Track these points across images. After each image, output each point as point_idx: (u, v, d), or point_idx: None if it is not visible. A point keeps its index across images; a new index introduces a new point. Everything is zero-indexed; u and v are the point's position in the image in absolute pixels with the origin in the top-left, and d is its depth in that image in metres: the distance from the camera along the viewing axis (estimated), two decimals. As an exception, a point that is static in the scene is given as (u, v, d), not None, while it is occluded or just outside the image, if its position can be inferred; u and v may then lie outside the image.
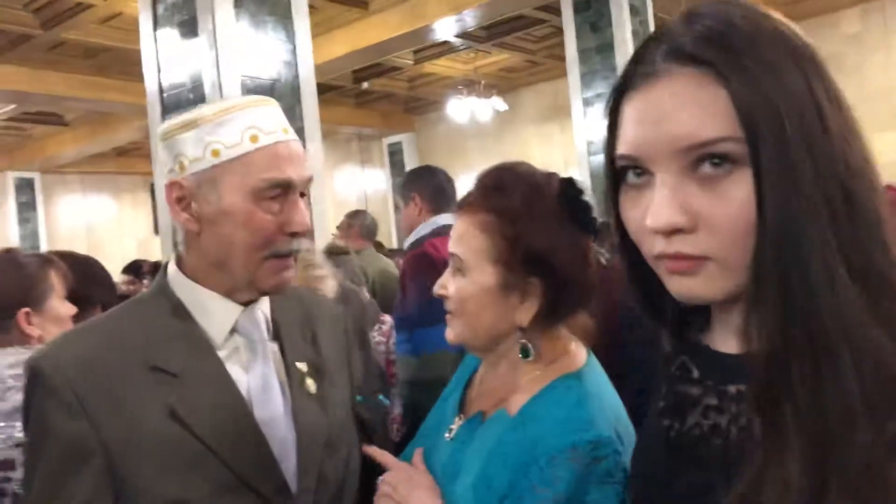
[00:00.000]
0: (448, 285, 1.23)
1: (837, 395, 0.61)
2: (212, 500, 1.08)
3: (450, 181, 3.31)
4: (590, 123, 7.37)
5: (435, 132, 14.27)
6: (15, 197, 13.57)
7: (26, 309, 1.92)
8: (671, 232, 0.69)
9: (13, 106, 10.57)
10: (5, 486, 1.74)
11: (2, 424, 1.78)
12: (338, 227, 4.70)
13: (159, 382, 1.09)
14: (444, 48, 10.40)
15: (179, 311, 1.17)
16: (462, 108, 11.52)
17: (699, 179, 0.69)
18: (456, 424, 1.26)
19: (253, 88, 3.78)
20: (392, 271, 4.42)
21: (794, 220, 0.64)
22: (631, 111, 0.74)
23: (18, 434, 1.76)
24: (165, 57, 3.88)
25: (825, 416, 0.61)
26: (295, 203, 1.16)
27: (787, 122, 0.64)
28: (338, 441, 1.25)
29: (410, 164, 14.27)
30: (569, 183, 1.19)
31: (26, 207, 13.65)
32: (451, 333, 1.24)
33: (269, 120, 1.15)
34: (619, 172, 0.77)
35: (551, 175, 1.22)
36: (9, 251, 2.03)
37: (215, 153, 1.12)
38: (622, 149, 0.75)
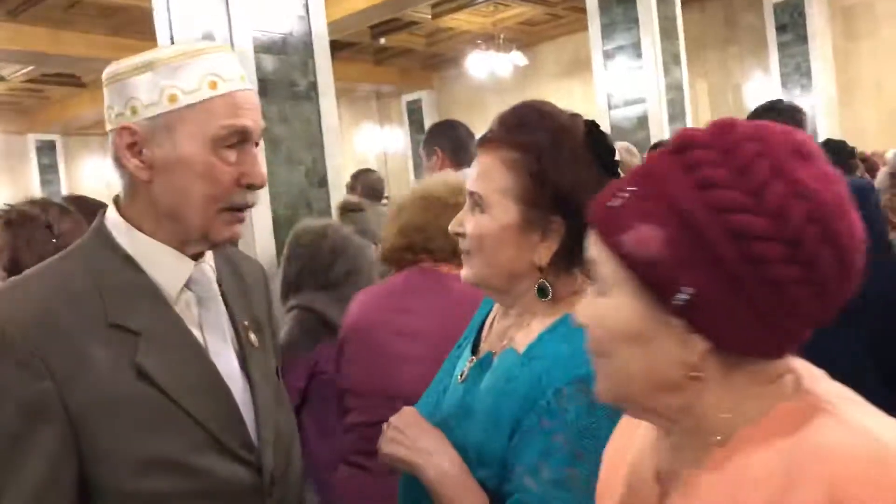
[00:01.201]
0: (465, 223, 1.20)
1: None
2: (186, 458, 1.06)
3: (471, 136, 3.28)
4: (610, 76, 7.24)
5: (454, 89, 14.12)
6: (37, 159, 13.68)
7: None
8: None
9: (31, 67, 10.58)
10: None
11: None
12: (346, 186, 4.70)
13: (121, 340, 1.05)
14: (464, 1, 10.23)
15: (128, 262, 1.11)
16: (482, 64, 11.38)
17: None
18: (467, 367, 1.27)
19: (265, 42, 3.72)
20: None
21: None
22: None
23: None
24: (177, 13, 3.83)
25: None
26: (251, 154, 1.13)
27: None
28: (280, 394, 1.26)
29: (430, 121, 14.14)
30: (594, 125, 1.18)
31: (48, 169, 13.77)
32: (467, 271, 1.22)
33: (227, 67, 1.11)
34: None
35: (576, 116, 1.21)
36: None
37: (172, 98, 1.07)
38: None
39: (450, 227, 1.24)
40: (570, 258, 1.16)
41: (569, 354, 1.08)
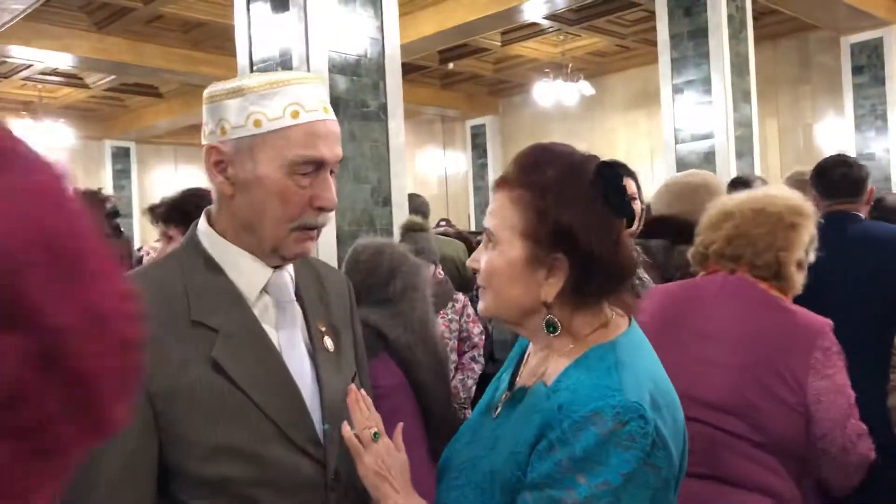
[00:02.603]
0: (480, 259, 1.25)
1: None
2: (253, 448, 1.15)
3: None
4: (678, 111, 7.19)
5: (519, 115, 14.17)
6: (111, 164, 14.17)
7: None
8: None
9: (113, 77, 11.00)
10: None
11: None
12: None
13: (201, 336, 1.16)
14: (533, 30, 10.30)
15: (213, 266, 1.22)
16: (548, 92, 11.38)
17: None
18: (502, 402, 1.29)
19: (339, 63, 3.82)
20: (451, 253, 4.45)
21: None
22: None
23: None
24: (257, 31, 3.96)
25: None
26: (325, 180, 1.21)
27: None
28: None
29: (492, 147, 14.22)
30: (606, 165, 1.20)
31: (121, 175, 14.25)
32: (482, 306, 1.28)
33: (311, 97, 1.20)
34: None
35: (591, 157, 1.23)
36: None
37: (257, 123, 1.16)
38: None
39: (468, 263, 1.31)
40: (579, 294, 1.18)
41: (589, 387, 1.11)
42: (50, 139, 11.85)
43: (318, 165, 1.19)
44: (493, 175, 13.93)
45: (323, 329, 1.32)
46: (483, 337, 3.80)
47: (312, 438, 1.21)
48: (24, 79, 11.08)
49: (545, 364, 1.23)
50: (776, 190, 2.03)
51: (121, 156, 14.30)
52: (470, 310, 3.78)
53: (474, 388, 3.68)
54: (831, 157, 3.09)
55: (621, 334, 1.20)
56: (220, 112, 1.19)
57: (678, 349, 1.84)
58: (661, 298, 2.00)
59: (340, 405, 1.27)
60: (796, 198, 1.93)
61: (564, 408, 1.10)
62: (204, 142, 1.22)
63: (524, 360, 1.35)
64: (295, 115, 1.17)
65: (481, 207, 13.91)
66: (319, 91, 1.22)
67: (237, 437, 1.14)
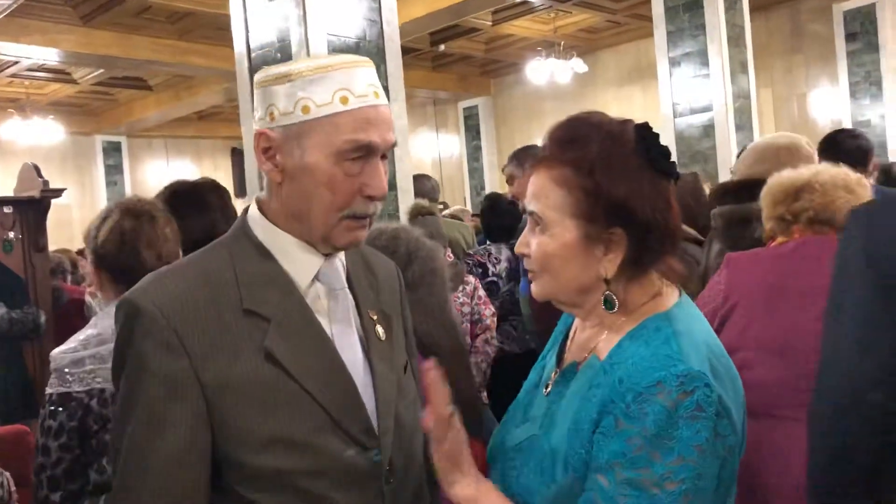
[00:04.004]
0: (529, 243, 1.22)
1: None
2: (307, 439, 1.13)
3: None
4: (675, 84, 7.14)
5: (512, 95, 14.10)
6: (103, 160, 14.06)
7: None
8: None
9: (101, 70, 10.89)
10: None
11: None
12: None
13: (253, 325, 1.13)
14: (523, 8, 10.21)
15: (264, 254, 1.19)
16: (541, 71, 11.31)
17: None
18: (552, 379, 1.27)
19: (339, 47, 3.76)
20: (456, 234, 4.43)
21: None
22: None
23: None
24: (254, 17, 3.90)
25: None
26: (375, 167, 1.17)
27: None
28: (406, 386, 1.31)
29: (486, 128, 14.15)
30: (645, 128, 1.17)
31: (113, 170, 14.14)
32: (537, 290, 1.24)
33: (361, 82, 1.15)
34: None
35: (626, 122, 1.20)
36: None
37: (305, 109, 1.13)
38: None
39: (516, 249, 1.26)
40: (637, 265, 1.16)
41: (649, 357, 1.08)
42: (40, 136, 11.75)
43: (368, 152, 1.15)
44: (487, 156, 13.88)
45: (374, 317, 1.29)
46: (495, 319, 3.77)
47: (367, 429, 1.19)
48: (11, 76, 10.95)
49: (596, 339, 1.20)
50: (823, 166, 2.21)
51: (112, 151, 14.17)
52: (481, 292, 3.74)
53: (489, 371, 3.66)
54: (840, 129, 3.31)
55: (674, 305, 1.18)
56: (269, 98, 1.16)
57: (795, 310, 1.92)
58: (752, 265, 2.11)
59: (393, 395, 1.24)
60: (850, 172, 2.14)
61: (626, 381, 1.07)
62: (255, 127, 1.19)
63: (570, 337, 1.33)
64: (344, 100, 1.13)
65: (477, 189, 13.86)
66: (370, 75, 1.18)
67: (291, 428, 1.12)
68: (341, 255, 1.27)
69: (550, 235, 1.17)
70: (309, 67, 1.14)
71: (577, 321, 1.32)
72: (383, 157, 1.19)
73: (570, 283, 1.19)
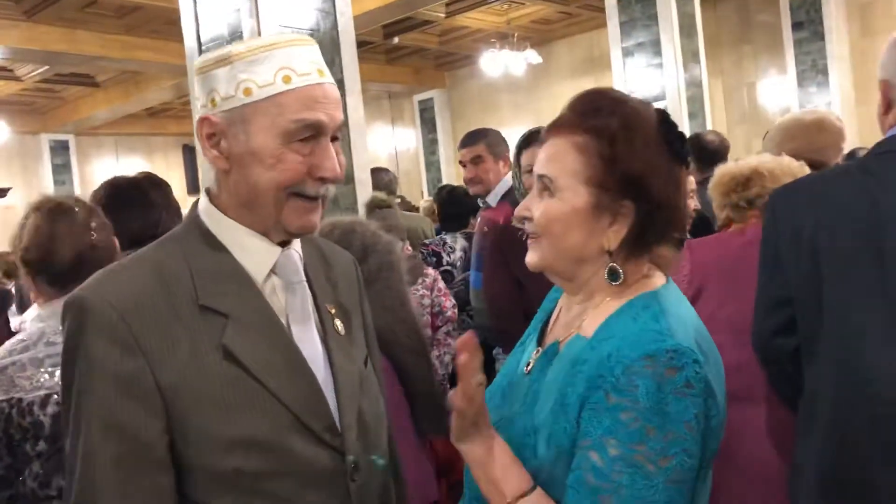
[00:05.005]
0: (532, 207, 1.20)
1: None
2: (267, 437, 1.07)
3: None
4: (629, 73, 7.21)
5: (467, 88, 14.09)
6: (50, 158, 13.69)
7: None
8: None
9: (46, 67, 10.59)
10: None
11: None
12: None
13: (209, 322, 1.08)
14: (477, 0, 10.20)
15: (217, 247, 1.14)
16: (495, 62, 11.33)
17: None
18: (533, 358, 1.27)
19: (292, 39, 3.72)
20: (414, 226, 4.42)
21: None
22: None
23: None
24: (204, 9, 3.82)
25: None
26: (325, 147, 1.13)
27: None
28: (366, 381, 1.27)
29: (441, 121, 14.12)
30: (665, 113, 1.20)
31: (61, 169, 13.78)
32: (534, 257, 1.22)
33: (303, 60, 1.12)
34: None
35: (647, 103, 1.22)
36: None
37: (247, 92, 1.09)
38: None
39: (515, 213, 1.24)
40: (638, 242, 1.17)
41: (637, 332, 1.08)
42: (-16, 135, 11.41)
43: (317, 131, 1.11)
44: (443, 150, 13.85)
45: (333, 311, 1.25)
46: (456, 310, 3.76)
47: (330, 427, 1.15)
48: (-49, 74, 10.62)
49: (581, 318, 1.20)
50: (767, 157, 2.34)
51: (59, 149, 13.80)
52: (441, 284, 3.73)
53: (451, 364, 3.65)
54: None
55: (662, 286, 1.19)
56: (210, 83, 1.11)
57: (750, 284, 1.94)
58: (713, 249, 2.24)
59: (355, 390, 1.21)
60: (793, 160, 2.26)
61: (614, 355, 1.07)
62: (195, 116, 1.15)
63: (553, 319, 1.33)
64: (287, 79, 1.09)
65: (434, 183, 13.82)
66: (312, 53, 1.14)
67: (253, 428, 1.07)
68: (297, 246, 1.23)
69: (560, 199, 1.17)
70: (248, 48, 1.10)
71: (561, 303, 1.31)
72: (334, 138, 1.15)
73: (571, 251, 1.18)
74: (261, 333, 1.11)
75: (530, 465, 1.12)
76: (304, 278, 1.21)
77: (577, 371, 1.11)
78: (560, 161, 1.18)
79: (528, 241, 1.23)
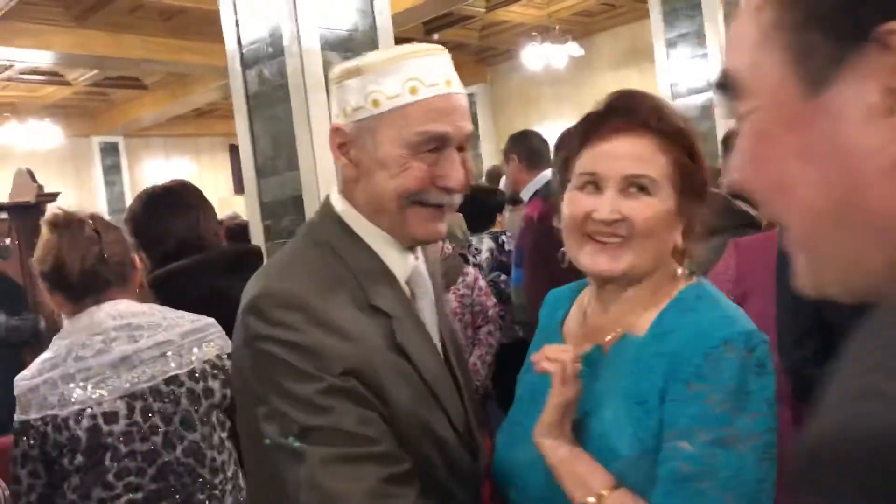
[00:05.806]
0: (621, 209, 1.17)
1: None
2: (444, 435, 1.13)
3: (544, 142, 3.75)
4: (673, 65, 7.07)
5: (508, 82, 14.01)
6: (101, 160, 14.00)
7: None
8: None
9: (95, 71, 10.83)
10: (107, 440, 1.75)
11: (109, 374, 1.79)
12: None
13: (381, 322, 1.12)
14: (518, -7, 10.14)
15: (368, 250, 1.18)
16: (536, 56, 11.24)
17: None
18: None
19: (331, 39, 3.71)
20: (452, 225, 4.40)
21: None
22: None
23: (126, 385, 1.78)
24: (244, 12, 3.85)
25: None
26: (451, 158, 1.14)
27: None
28: (471, 387, 1.32)
29: (483, 115, 14.06)
30: None
31: (112, 171, 14.07)
32: (621, 263, 1.18)
33: (431, 71, 1.13)
34: None
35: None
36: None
37: (375, 103, 1.12)
38: None
39: (608, 216, 1.18)
40: (689, 239, 1.22)
41: (705, 322, 1.10)
42: (37, 140, 11.70)
43: (442, 143, 1.12)
44: (485, 145, 13.80)
45: (448, 321, 1.32)
46: (497, 309, 3.74)
47: (469, 430, 1.19)
48: (5, 80, 10.90)
49: (626, 318, 1.20)
50: None
51: (110, 151, 14.09)
52: (482, 282, 3.71)
53: (493, 363, 3.63)
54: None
55: (699, 281, 1.22)
56: (342, 93, 1.15)
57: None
58: (762, 251, 2.17)
59: (476, 394, 1.27)
60: None
61: (690, 344, 1.09)
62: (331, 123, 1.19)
63: (569, 324, 1.33)
64: (413, 91, 1.11)
65: (476, 179, 13.76)
66: (441, 63, 1.16)
67: (431, 423, 1.12)
68: (422, 257, 1.26)
69: (660, 199, 1.17)
70: (379, 59, 1.13)
71: (582, 306, 1.30)
72: (461, 148, 1.15)
73: (658, 252, 1.19)
74: (418, 335, 1.16)
75: (613, 466, 1.12)
76: (430, 288, 1.25)
77: (647, 368, 1.12)
78: (654, 162, 1.18)
79: (605, 246, 1.18)
